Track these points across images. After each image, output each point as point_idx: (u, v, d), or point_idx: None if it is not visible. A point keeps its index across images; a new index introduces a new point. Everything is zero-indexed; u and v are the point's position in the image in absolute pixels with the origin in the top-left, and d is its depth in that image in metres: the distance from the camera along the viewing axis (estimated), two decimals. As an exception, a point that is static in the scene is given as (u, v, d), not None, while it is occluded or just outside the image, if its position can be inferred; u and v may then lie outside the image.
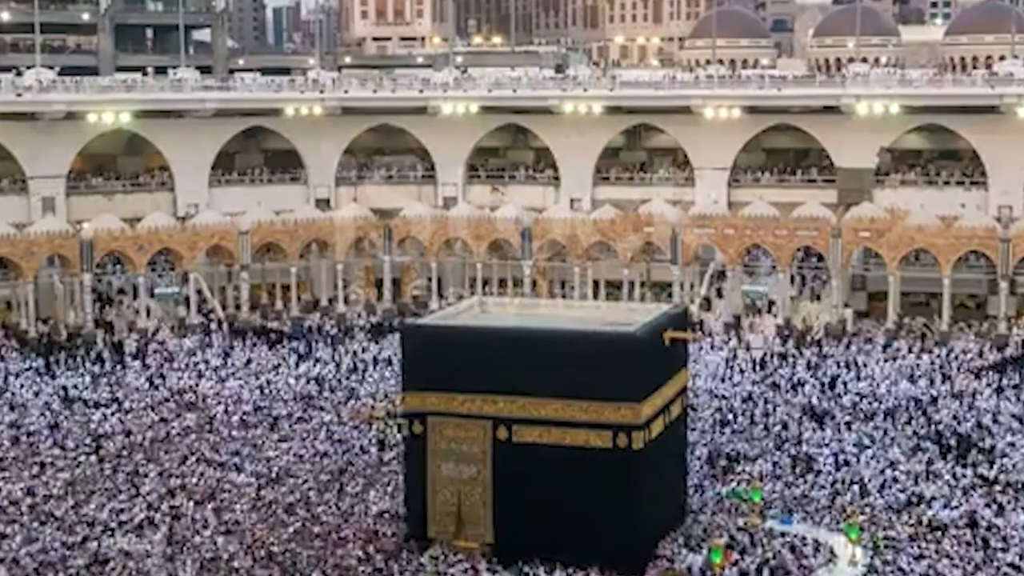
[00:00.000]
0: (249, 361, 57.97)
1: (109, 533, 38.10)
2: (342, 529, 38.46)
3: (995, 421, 48.00)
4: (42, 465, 44.20)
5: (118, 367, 56.71)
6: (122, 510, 39.94)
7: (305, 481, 42.53)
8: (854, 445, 45.34)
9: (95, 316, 63.06)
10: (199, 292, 64.97)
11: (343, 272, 67.43)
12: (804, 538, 37.41)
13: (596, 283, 65.41)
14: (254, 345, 60.74)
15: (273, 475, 43.15)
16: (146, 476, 43.01)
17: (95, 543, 37.29)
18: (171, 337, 61.68)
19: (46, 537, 37.69)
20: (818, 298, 65.46)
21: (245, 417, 49.74)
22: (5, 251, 61.50)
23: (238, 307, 65.85)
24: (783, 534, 37.70)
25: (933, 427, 47.33)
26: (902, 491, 40.98)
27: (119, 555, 36.39)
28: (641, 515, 35.48)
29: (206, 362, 57.71)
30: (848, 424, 47.81)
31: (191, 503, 40.40)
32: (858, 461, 43.73)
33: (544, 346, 36.32)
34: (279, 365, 57.19)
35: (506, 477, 35.93)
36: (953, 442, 45.37)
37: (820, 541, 37.24)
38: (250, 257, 65.81)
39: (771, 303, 64.52)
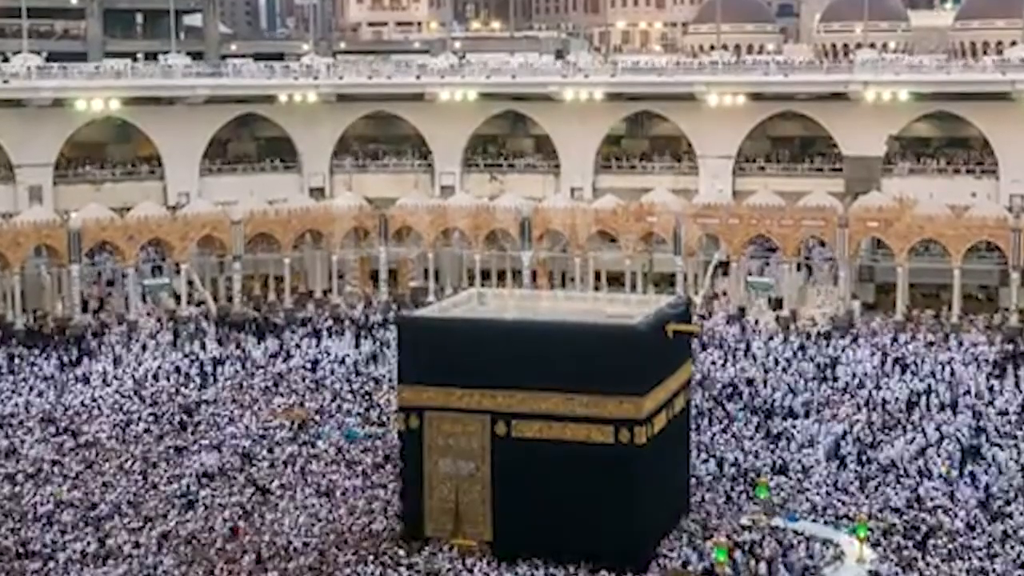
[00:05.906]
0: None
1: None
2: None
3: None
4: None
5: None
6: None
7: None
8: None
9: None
10: (190, 283, 63.77)
11: (338, 263, 66.25)
12: (811, 536, 36.70)
13: (597, 275, 64.35)
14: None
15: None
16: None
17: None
18: (150, 329, 60.30)
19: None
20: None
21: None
22: (-9, 241, 60.33)
23: (230, 299, 64.64)
24: (790, 531, 37.05)
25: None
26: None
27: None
28: (643, 512, 34.95)
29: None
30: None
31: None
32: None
33: (544, 339, 35.67)
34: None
35: (505, 473, 35.29)
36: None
37: (828, 539, 36.56)
38: (243, 248, 64.61)
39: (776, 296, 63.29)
